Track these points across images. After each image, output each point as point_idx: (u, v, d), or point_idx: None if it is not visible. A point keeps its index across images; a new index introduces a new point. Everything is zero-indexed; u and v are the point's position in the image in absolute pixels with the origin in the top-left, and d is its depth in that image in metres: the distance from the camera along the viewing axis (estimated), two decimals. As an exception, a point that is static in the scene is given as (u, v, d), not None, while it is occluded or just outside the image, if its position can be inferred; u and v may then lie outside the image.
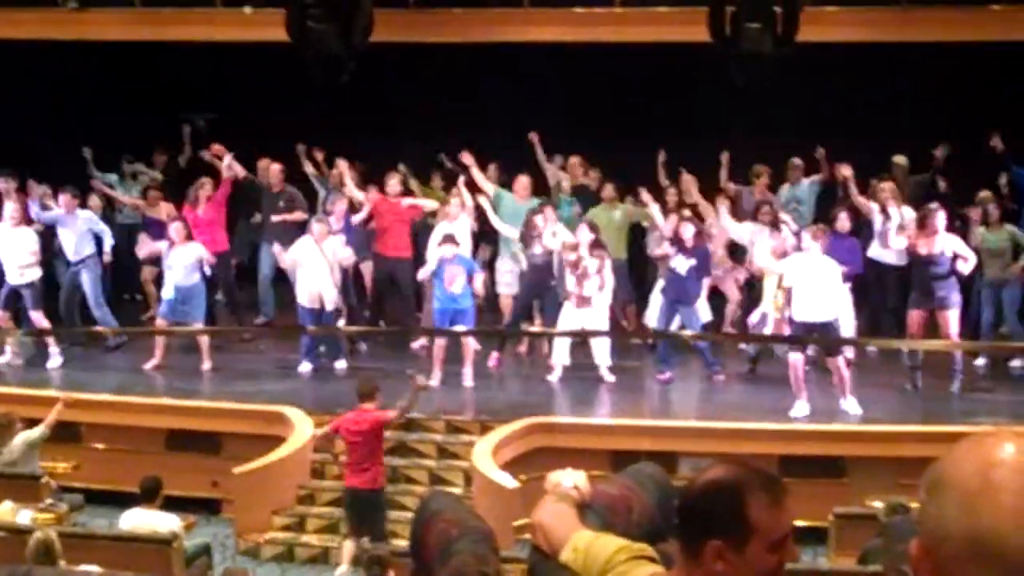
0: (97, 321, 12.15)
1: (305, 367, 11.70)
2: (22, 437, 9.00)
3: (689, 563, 2.00)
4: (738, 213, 12.12)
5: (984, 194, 12.05)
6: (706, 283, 11.39)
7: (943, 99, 12.97)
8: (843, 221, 11.53)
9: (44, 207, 12.36)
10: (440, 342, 11.14)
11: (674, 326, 11.27)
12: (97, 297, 12.12)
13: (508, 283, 12.24)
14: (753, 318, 11.13)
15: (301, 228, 12.30)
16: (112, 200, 13.87)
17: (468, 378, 11.15)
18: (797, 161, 12.77)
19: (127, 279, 14.05)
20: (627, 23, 12.08)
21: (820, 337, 10.40)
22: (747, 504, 1.92)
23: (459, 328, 11.11)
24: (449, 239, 11.09)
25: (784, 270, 10.38)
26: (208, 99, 15.32)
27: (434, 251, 11.23)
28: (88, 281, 12.09)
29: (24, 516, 7.75)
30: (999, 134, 12.26)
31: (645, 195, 11.81)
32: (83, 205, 12.65)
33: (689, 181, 12.18)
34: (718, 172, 12.69)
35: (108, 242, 12.56)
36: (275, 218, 12.71)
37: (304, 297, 11.47)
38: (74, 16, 12.60)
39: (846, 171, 11.81)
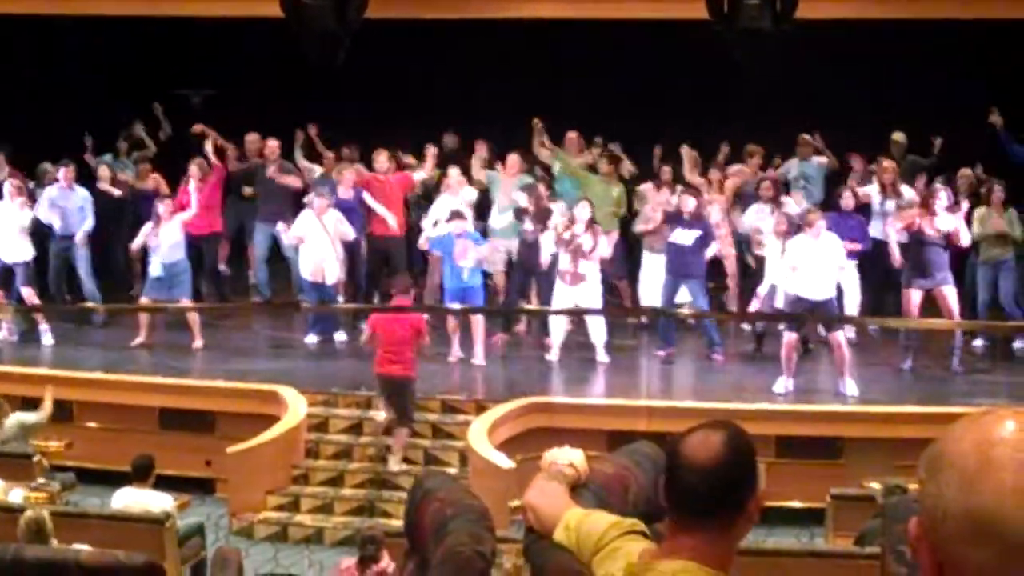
0: (88, 296, 12.10)
1: (312, 339, 11.73)
2: (17, 420, 8.92)
3: (712, 533, 1.97)
4: (742, 198, 12.07)
5: (964, 171, 11.99)
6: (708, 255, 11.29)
7: (946, 77, 12.88)
8: (848, 199, 11.47)
9: (46, 184, 12.26)
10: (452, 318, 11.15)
11: (677, 301, 11.17)
12: (89, 272, 12.08)
13: (497, 262, 12.12)
14: (762, 289, 11.02)
15: (297, 204, 12.22)
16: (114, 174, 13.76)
17: (480, 357, 11.03)
18: (807, 137, 12.70)
19: (117, 255, 13.92)
20: (626, -1, 11.98)
21: (819, 315, 10.39)
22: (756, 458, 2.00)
23: (456, 306, 11.05)
24: (457, 215, 11.05)
25: (786, 251, 10.35)
26: (204, 75, 15.19)
27: (440, 225, 11.23)
28: (81, 256, 12.05)
29: (16, 495, 7.71)
30: (998, 111, 12.19)
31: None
32: (91, 177, 12.68)
33: (688, 158, 12.11)
34: (715, 151, 12.64)
35: (89, 224, 12.21)
36: (270, 172, 12.51)
37: (307, 271, 11.46)
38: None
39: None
